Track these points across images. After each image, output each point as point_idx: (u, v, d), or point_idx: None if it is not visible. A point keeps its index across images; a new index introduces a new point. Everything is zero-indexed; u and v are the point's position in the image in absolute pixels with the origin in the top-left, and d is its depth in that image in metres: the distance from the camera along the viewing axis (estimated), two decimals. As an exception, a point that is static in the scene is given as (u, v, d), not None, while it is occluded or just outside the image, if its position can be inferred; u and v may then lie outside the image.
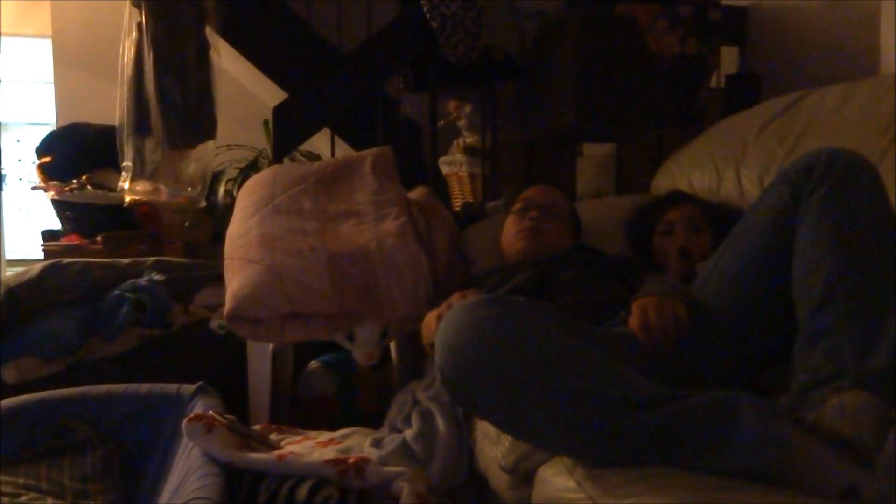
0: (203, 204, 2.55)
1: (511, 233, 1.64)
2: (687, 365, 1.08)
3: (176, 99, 2.30)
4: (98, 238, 2.34)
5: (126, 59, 2.36)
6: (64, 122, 3.12)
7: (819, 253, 0.91)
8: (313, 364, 2.01)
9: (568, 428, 0.89)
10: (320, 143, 3.01)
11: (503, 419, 0.98)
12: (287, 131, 2.48)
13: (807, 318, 0.91)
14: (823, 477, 0.75)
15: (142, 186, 2.38)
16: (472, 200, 2.66)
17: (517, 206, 1.66)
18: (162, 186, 2.39)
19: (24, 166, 4.87)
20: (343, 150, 2.75)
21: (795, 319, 0.96)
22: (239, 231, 1.74)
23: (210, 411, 1.25)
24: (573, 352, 0.92)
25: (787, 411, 0.85)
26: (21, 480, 1.25)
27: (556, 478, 0.96)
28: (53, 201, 2.59)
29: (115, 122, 2.41)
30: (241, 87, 3.51)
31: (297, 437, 1.45)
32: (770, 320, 1.03)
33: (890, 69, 1.81)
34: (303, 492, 1.12)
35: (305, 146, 3.12)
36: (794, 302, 0.95)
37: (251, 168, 3.31)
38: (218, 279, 1.79)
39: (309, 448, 1.35)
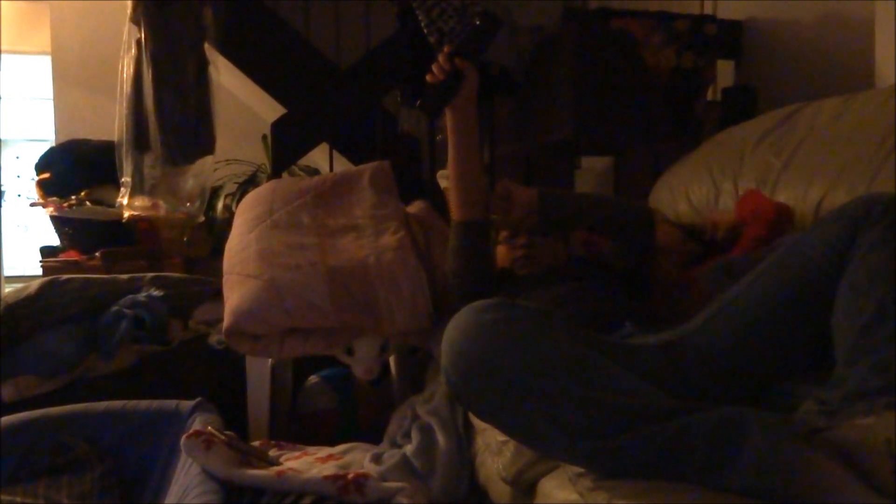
0: (202, 219, 2.56)
1: (506, 263, 1.64)
2: (698, 379, 1.08)
3: (175, 115, 2.31)
4: (97, 254, 2.34)
5: (125, 75, 2.38)
6: (63, 139, 3.13)
7: (873, 278, 0.91)
8: (312, 379, 2.01)
9: (573, 437, 0.89)
10: (319, 157, 3.02)
11: (508, 424, 0.98)
12: (285, 146, 2.48)
13: (853, 339, 0.91)
14: (830, 500, 0.75)
15: (140, 202, 2.39)
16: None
17: (503, 233, 1.66)
18: (160, 202, 2.40)
19: (23, 182, 4.89)
20: (342, 164, 2.76)
21: (817, 345, 0.97)
22: (238, 246, 1.74)
23: (209, 427, 1.25)
24: (581, 359, 0.92)
25: (809, 423, 0.85)
26: (19, 499, 1.24)
27: (558, 490, 0.95)
28: (52, 217, 2.60)
29: (114, 138, 2.42)
30: (240, 102, 3.52)
31: (297, 453, 1.45)
32: (793, 344, 1.04)
33: (885, 82, 1.82)
34: (302, 508, 1.12)
35: (304, 161, 3.12)
36: (836, 326, 0.95)
37: (250, 183, 3.32)
38: (217, 294, 1.79)
39: (308, 464, 1.34)
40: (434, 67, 1.47)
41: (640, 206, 1.65)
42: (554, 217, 1.51)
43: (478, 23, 1.45)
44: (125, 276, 1.96)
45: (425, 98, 1.48)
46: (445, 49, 1.46)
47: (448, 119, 1.53)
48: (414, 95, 2.37)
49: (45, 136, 4.39)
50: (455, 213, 1.58)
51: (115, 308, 1.82)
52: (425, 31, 2.19)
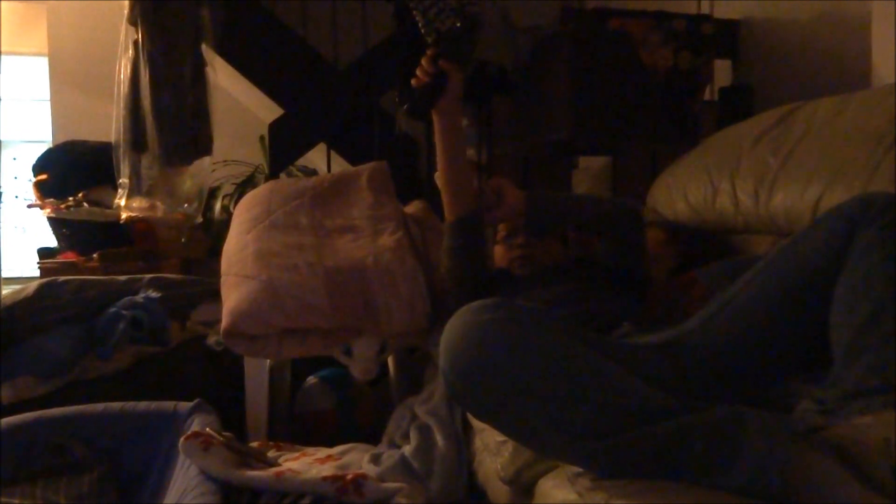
0: (199, 220, 2.55)
1: (503, 263, 1.64)
2: (697, 379, 1.08)
3: (172, 116, 2.30)
4: (94, 255, 2.34)
5: (122, 76, 2.37)
6: (60, 140, 3.11)
7: (871, 278, 0.91)
8: (311, 380, 2.01)
9: (571, 436, 0.89)
10: (316, 158, 3.02)
11: (506, 424, 0.98)
12: (283, 147, 2.48)
13: (850, 338, 0.91)
14: (828, 499, 0.75)
15: (138, 203, 2.38)
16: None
17: (501, 233, 1.66)
18: (158, 203, 2.39)
19: (21, 184, 4.87)
20: (339, 165, 2.75)
21: (815, 344, 0.97)
22: (235, 247, 1.74)
23: (207, 429, 1.25)
24: (578, 358, 0.92)
25: (807, 422, 0.85)
26: (17, 501, 1.24)
27: (557, 490, 0.95)
28: (49, 219, 2.59)
29: (112, 139, 2.41)
30: (237, 103, 3.52)
31: (295, 454, 1.45)
32: (791, 343, 1.04)
33: (882, 81, 1.82)
34: (301, 509, 1.12)
35: (302, 161, 3.12)
36: (834, 325, 0.95)
37: (247, 184, 3.32)
38: (215, 295, 1.79)
39: (307, 465, 1.34)
40: (418, 71, 1.47)
41: (627, 203, 1.66)
42: (540, 219, 1.52)
43: (458, 25, 1.46)
44: (123, 278, 1.96)
45: (411, 101, 1.49)
46: (429, 52, 1.47)
47: (434, 121, 1.54)
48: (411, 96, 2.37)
49: (42, 138, 4.38)
50: (446, 212, 1.59)
51: (112, 309, 1.82)
52: (422, 31, 2.18)
